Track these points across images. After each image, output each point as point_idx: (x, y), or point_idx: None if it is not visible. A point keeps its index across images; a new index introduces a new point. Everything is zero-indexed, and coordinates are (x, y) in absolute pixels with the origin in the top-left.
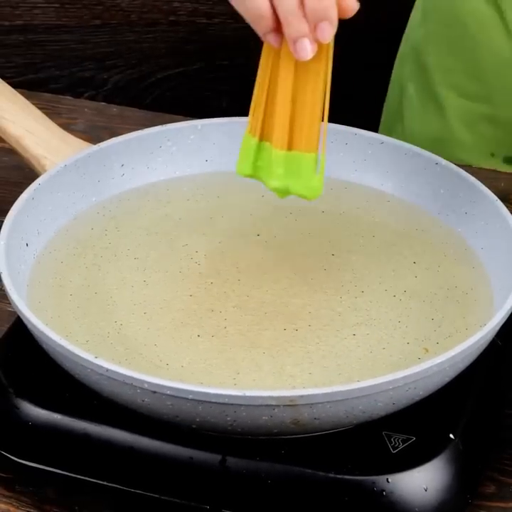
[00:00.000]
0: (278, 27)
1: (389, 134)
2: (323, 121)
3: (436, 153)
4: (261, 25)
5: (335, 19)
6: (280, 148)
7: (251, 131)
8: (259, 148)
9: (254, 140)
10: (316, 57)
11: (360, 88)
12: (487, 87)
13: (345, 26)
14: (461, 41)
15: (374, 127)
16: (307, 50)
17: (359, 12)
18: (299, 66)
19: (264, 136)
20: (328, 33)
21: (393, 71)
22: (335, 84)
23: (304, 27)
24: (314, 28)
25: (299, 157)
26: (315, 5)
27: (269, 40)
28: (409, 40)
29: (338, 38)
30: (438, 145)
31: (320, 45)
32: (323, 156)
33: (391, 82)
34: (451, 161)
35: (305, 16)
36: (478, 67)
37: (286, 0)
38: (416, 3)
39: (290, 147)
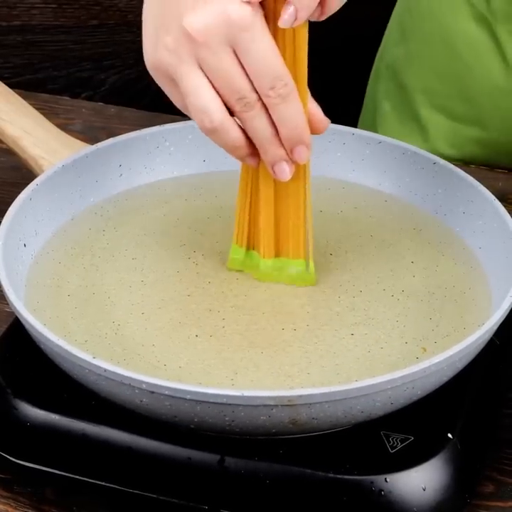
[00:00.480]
0: (254, 151)
1: None
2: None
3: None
4: (238, 153)
5: (309, 142)
6: (268, 257)
7: (238, 242)
8: (248, 255)
9: (242, 249)
10: (295, 175)
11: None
12: (478, 111)
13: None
14: (448, 63)
15: None
16: (286, 172)
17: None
18: (279, 183)
19: (250, 246)
20: (304, 155)
21: (368, 87)
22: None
23: (280, 152)
24: (291, 151)
25: (287, 262)
26: (289, 132)
27: (248, 163)
28: (384, 58)
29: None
30: None
31: (297, 164)
32: (311, 257)
33: (366, 97)
34: None
35: (280, 142)
36: (468, 90)
37: (261, 130)
38: (391, 20)
39: (278, 255)
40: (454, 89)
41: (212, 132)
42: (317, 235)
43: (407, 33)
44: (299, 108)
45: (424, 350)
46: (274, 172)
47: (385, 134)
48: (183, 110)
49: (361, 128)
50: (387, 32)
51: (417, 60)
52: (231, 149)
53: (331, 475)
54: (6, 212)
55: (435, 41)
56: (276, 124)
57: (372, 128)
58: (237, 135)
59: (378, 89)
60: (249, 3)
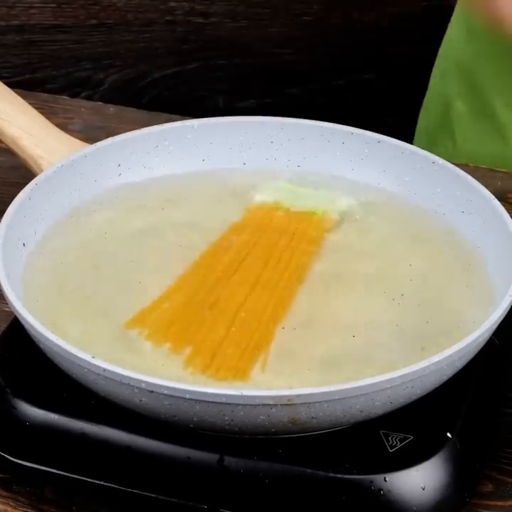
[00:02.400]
0: None
1: (431, 145)
2: None
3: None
4: None
5: None
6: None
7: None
8: None
9: None
10: None
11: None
12: None
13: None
14: None
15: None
16: None
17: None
18: None
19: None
20: None
21: (433, 84)
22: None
23: None
24: None
25: None
26: None
27: None
28: (451, 57)
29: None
30: (498, 163)
31: None
32: None
33: (431, 93)
34: None
35: None
36: None
37: None
38: (454, 18)
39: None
40: None
41: None
42: None
43: (474, 32)
44: None
45: (424, 349)
46: None
47: (463, 135)
48: None
49: (428, 124)
50: (450, 30)
51: (489, 61)
52: None
53: (331, 474)
54: (5, 211)
55: (505, 43)
56: None
57: (445, 126)
58: None
59: (448, 88)
60: None
